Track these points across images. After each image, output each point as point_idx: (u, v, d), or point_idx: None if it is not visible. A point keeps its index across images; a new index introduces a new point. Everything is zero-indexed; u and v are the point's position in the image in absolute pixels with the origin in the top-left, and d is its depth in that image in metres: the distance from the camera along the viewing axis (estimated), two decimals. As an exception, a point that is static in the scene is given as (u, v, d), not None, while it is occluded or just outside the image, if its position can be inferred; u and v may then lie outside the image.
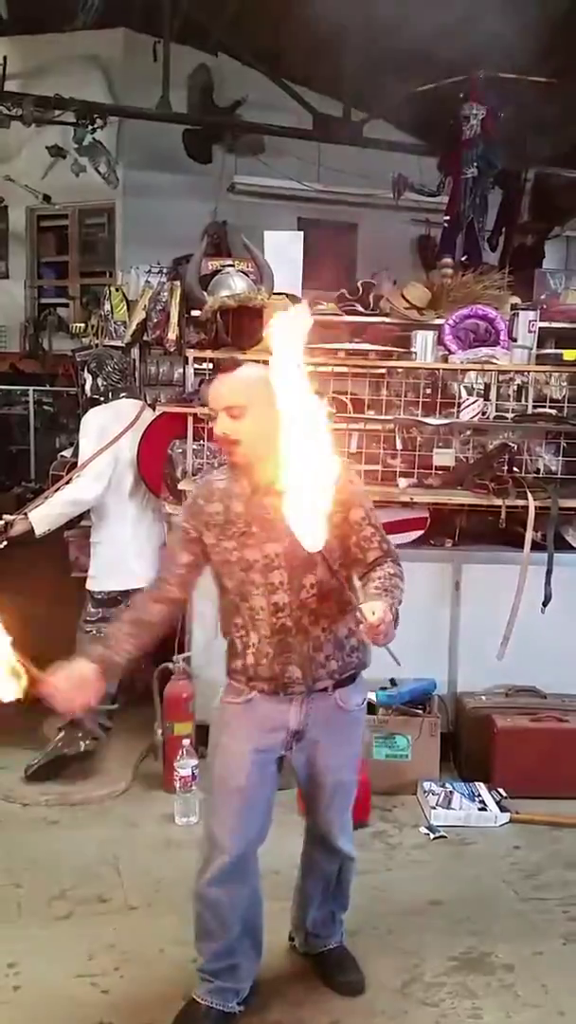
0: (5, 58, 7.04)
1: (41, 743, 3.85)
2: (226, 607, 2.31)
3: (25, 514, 3.70)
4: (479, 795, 3.57)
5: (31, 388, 8.27)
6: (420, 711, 3.75)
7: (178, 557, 2.30)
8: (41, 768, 3.69)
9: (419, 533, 3.99)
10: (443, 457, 4.10)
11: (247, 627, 2.26)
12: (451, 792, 3.55)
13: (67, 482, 3.85)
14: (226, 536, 2.21)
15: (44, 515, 3.71)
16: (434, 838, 3.37)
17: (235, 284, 4.05)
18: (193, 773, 3.45)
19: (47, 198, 8.54)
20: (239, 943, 2.37)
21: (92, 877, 3.06)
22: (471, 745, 3.77)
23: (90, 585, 3.93)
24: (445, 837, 3.38)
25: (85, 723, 3.72)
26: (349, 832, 2.53)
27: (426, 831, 3.41)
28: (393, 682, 3.80)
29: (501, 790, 3.60)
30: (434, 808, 3.47)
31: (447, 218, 5.88)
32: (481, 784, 3.64)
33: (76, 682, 2.23)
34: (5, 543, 3.61)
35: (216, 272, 4.27)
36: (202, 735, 3.67)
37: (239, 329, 3.97)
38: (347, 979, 2.55)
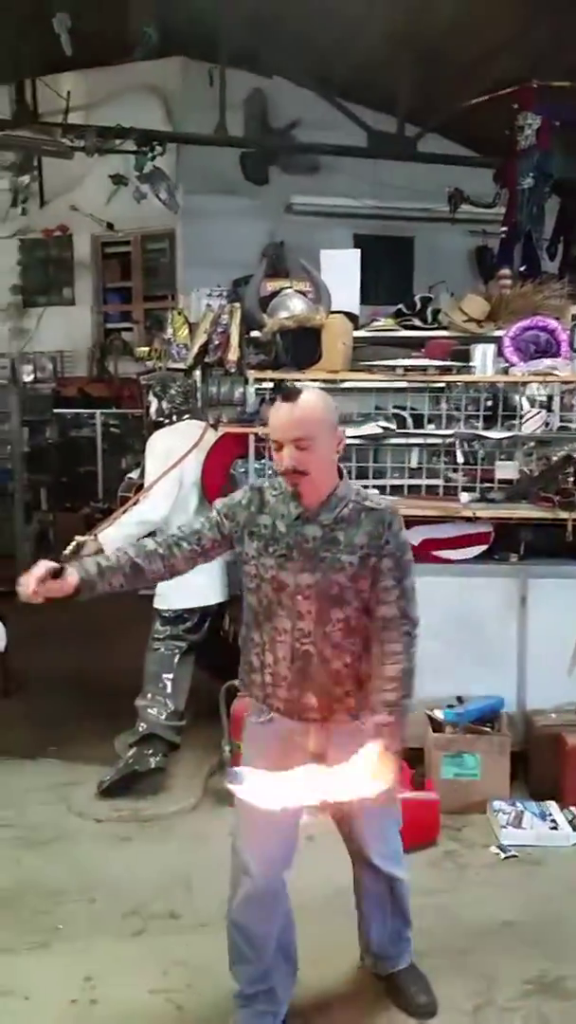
0: (69, 93, 7.27)
1: (112, 760, 3.93)
2: (248, 622, 2.31)
3: (95, 535, 3.79)
4: (550, 814, 3.50)
5: (98, 411, 8.48)
6: (488, 729, 3.71)
7: (202, 539, 2.27)
8: (113, 784, 3.76)
9: (483, 548, 3.96)
10: (506, 470, 4.07)
11: (265, 646, 2.25)
12: (521, 811, 3.50)
13: (135, 503, 3.94)
14: (267, 553, 2.20)
15: (113, 535, 3.79)
16: (505, 858, 3.33)
17: (294, 305, 4.10)
18: (261, 790, 3.47)
19: (110, 225, 8.77)
20: (274, 966, 2.37)
21: (164, 893, 3.10)
22: (541, 763, 3.71)
23: (157, 603, 4.00)
24: (516, 857, 3.33)
25: (155, 740, 3.79)
26: (392, 853, 2.48)
27: (496, 851, 3.37)
28: (460, 700, 3.77)
29: (573, 808, 3.53)
30: (504, 827, 3.43)
31: (504, 229, 5.85)
32: (552, 803, 3.57)
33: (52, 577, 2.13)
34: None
35: (275, 293, 4.33)
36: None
37: (298, 349, 4.01)
38: (418, 1001, 2.53)
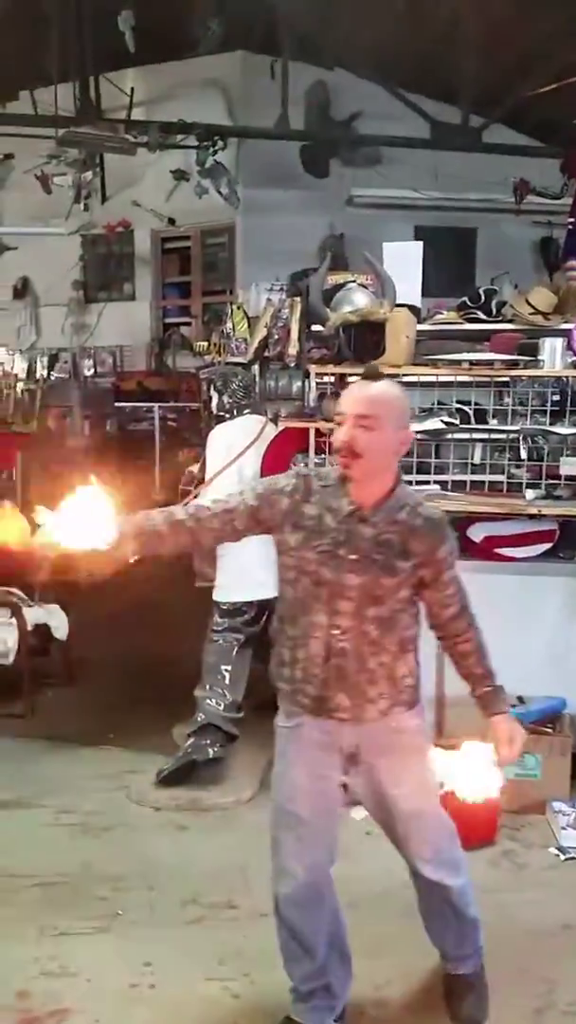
0: (132, 90, 7.34)
1: (171, 749, 3.97)
2: (282, 614, 2.24)
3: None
4: (612, 816, 3.44)
5: (156, 405, 8.56)
6: (550, 730, 3.65)
7: (234, 520, 2.18)
8: (172, 774, 3.80)
9: (547, 546, 3.90)
10: (572, 466, 3.99)
11: (298, 641, 2.18)
12: (583, 813, 3.44)
13: (195, 496, 3.97)
14: (310, 547, 2.11)
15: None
16: (565, 859, 3.28)
17: (357, 299, 4.07)
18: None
19: (171, 221, 8.84)
20: (328, 962, 2.34)
21: (221, 883, 3.12)
22: (603, 765, 3.64)
23: (216, 596, 4.03)
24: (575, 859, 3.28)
25: (213, 730, 3.82)
26: (446, 861, 2.35)
27: (557, 852, 3.32)
28: (521, 699, 3.72)
29: None
30: (564, 829, 3.37)
31: (571, 220, 5.73)
32: (613, 805, 3.51)
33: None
34: (138, 556, 3.74)
35: (338, 287, 4.30)
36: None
37: (361, 343, 3.98)
38: (464, 1014, 2.44)
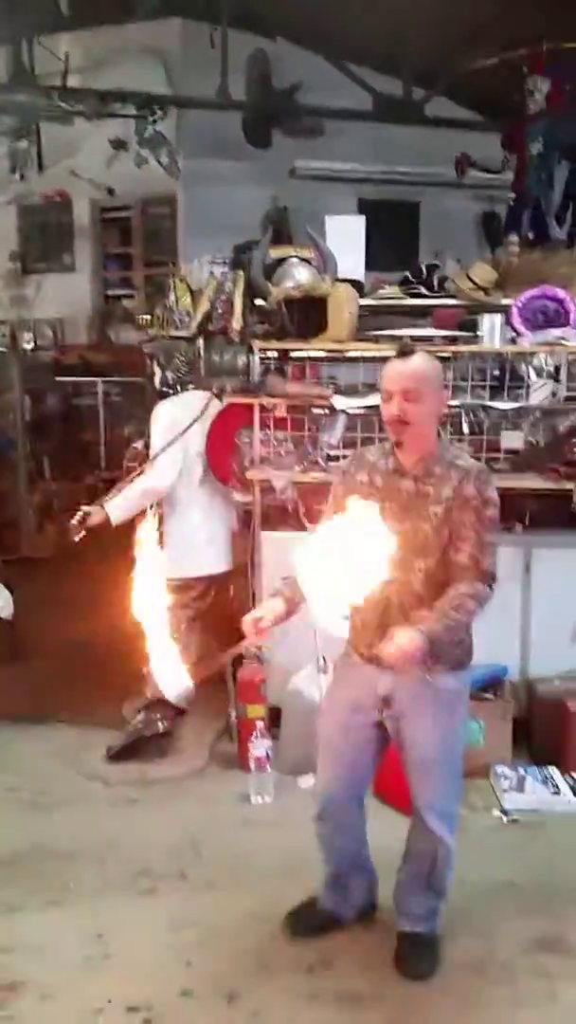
0: (67, 55, 7.15)
1: (120, 725, 3.98)
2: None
3: (101, 504, 3.81)
4: (552, 779, 3.57)
5: (99, 379, 8.43)
6: (492, 696, 3.76)
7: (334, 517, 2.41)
8: (121, 749, 3.83)
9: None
10: (512, 440, 4.07)
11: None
12: (524, 776, 3.56)
13: (140, 473, 3.95)
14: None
15: (119, 505, 3.81)
16: (507, 821, 3.40)
17: (299, 274, 4.08)
18: (267, 754, 3.54)
19: (110, 191, 8.66)
20: (348, 873, 2.68)
21: (173, 854, 3.17)
22: (544, 729, 3.77)
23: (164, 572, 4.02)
24: (518, 821, 3.40)
25: (162, 704, 3.83)
26: (444, 815, 2.53)
27: (499, 815, 3.43)
28: (463, 666, 3.81)
29: (574, 774, 3.59)
30: (507, 792, 3.49)
31: (513, 195, 5.79)
32: (554, 768, 3.64)
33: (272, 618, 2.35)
34: (84, 533, 3.73)
35: (280, 261, 4.29)
36: (275, 717, 3.77)
37: (303, 319, 4.00)
38: (413, 967, 2.57)
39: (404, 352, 2.37)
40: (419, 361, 2.36)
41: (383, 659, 2.27)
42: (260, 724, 3.64)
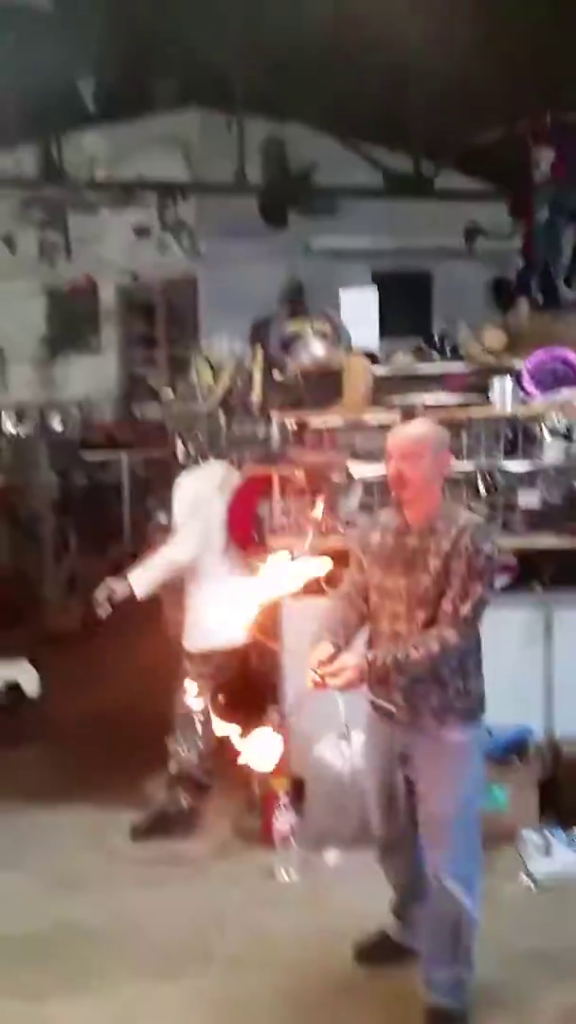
0: (92, 150, 7.52)
1: (144, 802, 3.95)
2: (369, 627, 2.61)
3: (126, 578, 3.85)
4: (581, 843, 3.46)
5: (123, 453, 8.59)
6: (516, 759, 3.68)
7: (355, 577, 2.64)
8: (146, 827, 3.78)
9: (508, 579, 3.96)
10: (528, 499, 4.07)
11: (372, 647, 2.55)
12: (551, 841, 3.46)
13: (163, 545, 4.00)
14: (377, 564, 2.55)
15: (143, 578, 3.85)
16: (535, 888, 3.30)
17: (314, 349, 4.20)
18: (291, 828, 3.48)
19: (134, 276, 8.98)
20: (406, 901, 2.76)
21: (198, 934, 3.10)
22: (570, 792, 3.67)
23: (186, 644, 4.04)
24: (546, 887, 3.30)
25: (186, 780, 3.80)
26: (461, 877, 2.50)
27: (526, 881, 3.34)
28: (488, 732, 3.74)
29: (604, 838, 3.48)
30: (533, 857, 3.40)
31: (521, 261, 5.90)
32: (582, 832, 3.53)
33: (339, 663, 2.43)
34: (109, 607, 3.76)
35: (296, 335, 4.42)
36: (300, 789, 3.72)
37: (320, 390, 4.09)
38: None
39: (406, 417, 2.57)
40: (418, 426, 2.57)
41: (327, 683, 2.38)
42: (283, 797, 3.58)
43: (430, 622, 2.43)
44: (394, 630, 2.48)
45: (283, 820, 3.48)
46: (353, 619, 2.63)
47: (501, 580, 3.93)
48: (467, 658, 2.48)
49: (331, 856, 3.45)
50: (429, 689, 2.44)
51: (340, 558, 2.76)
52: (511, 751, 3.68)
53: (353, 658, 2.43)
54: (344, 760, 3.50)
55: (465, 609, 2.39)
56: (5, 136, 7.57)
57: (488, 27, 5.99)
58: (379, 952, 2.82)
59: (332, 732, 3.66)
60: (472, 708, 2.52)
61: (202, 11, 6.03)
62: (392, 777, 2.60)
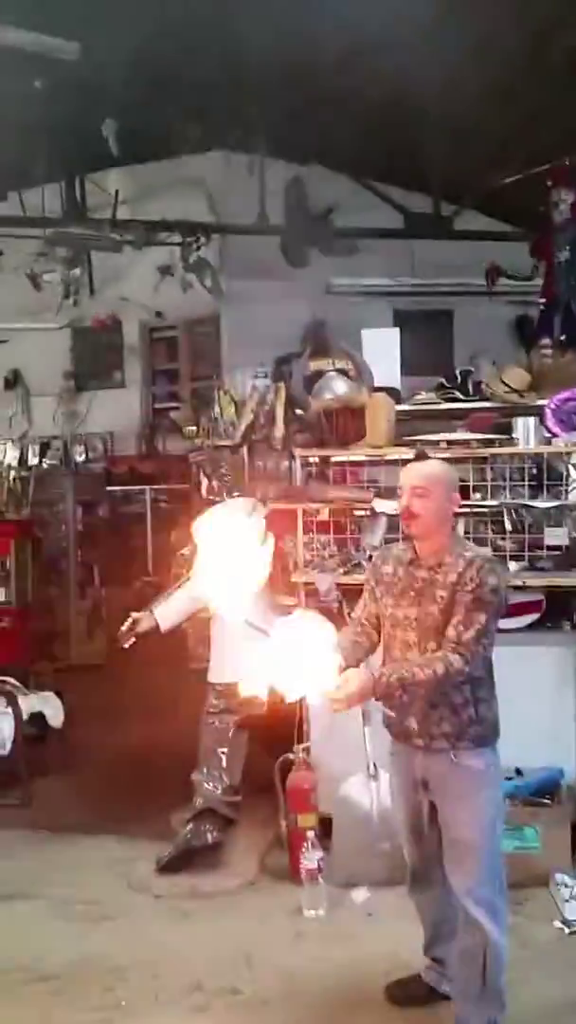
0: (117, 192, 7.69)
1: (170, 835, 3.95)
2: (383, 655, 2.71)
3: (151, 611, 3.90)
4: (615, 887, 3.43)
5: (147, 488, 8.68)
6: (548, 801, 3.66)
7: (368, 606, 2.76)
8: (171, 860, 3.78)
9: (535, 617, 3.97)
10: (555, 537, 4.09)
11: None
12: (585, 884, 3.43)
13: (187, 579, 4.04)
14: (389, 594, 2.65)
15: (168, 611, 3.90)
16: (570, 933, 3.26)
17: (337, 387, 4.26)
18: (319, 865, 3.47)
19: (159, 314, 9.12)
20: (437, 934, 2.79)
21: (226, 969, 3.09)
22: (604, 834, 3.64)
23: (211, 677, 4.06)
24: (581, 932, 3.25)
25: (212, 814, 3.81)
26: (485, 903, 2.51)
27: (561, 925, 3.30)
28: (519, 772, 3.74)
29: None
30: (568, 901, 3.36)
31: (543, 300, 5.97)
32: (616, 875, 3.50)
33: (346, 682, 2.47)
34: (133, 640, 3.81)
35: (319, 374, 4.48)
36: (326, 826, 3.71)
37: (343, 428, 4.15)
38: None
39: (419, 457, 2.72)
40: (430, 463, 2.70)
41: (330, 700, 2.42)
42: (311, 834, 3.58)
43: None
44: (407, 659, 2.57)
45: (311, 857, 3.47)
46: (364, 643, 2.73)
47: (528, 618, 3.95)
48: (478, 686, 2.56)
49: (359, 894, 3.44)
50: (442, 716, 2.52)
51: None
52: (543, 792, 3.67)
53: (359, 673, 2.49)
54: (372, 799, 3.50)
55: (467, 635, 2.47)
56: (31, 176, 7.77)
57: (508, 70, 6.14)
58: (411, 994, 2.81)
59: (360, 771, 3.68)
60: (485, 735, 2.57)
61: (224, 56, 6.20)
62: (417, 803, 2.66)
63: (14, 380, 9.63)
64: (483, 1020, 2.52)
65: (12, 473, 8.34)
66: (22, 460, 8.77)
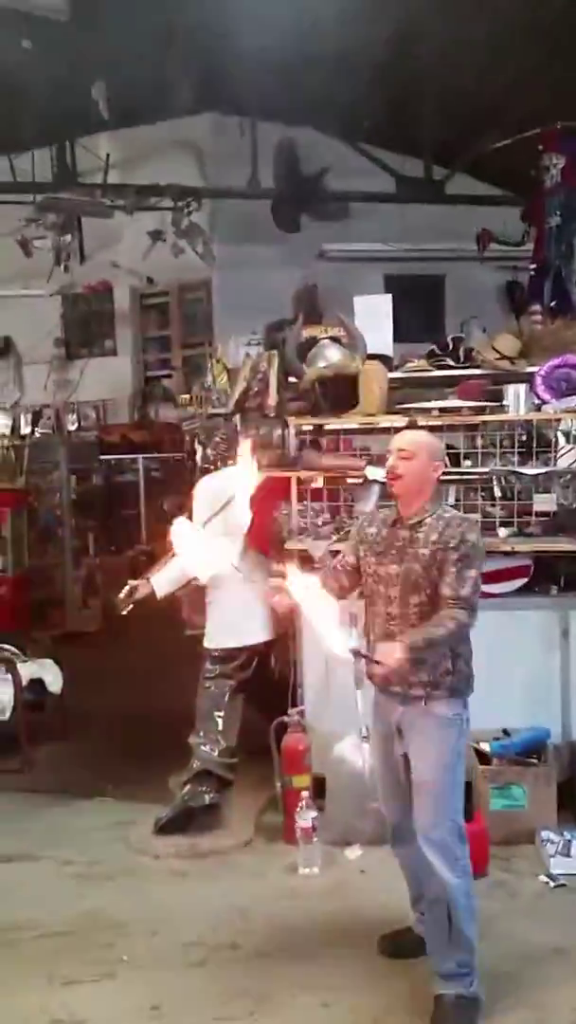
0: (108, 155, 7.60)
1: (168, 797, 4.04)
2: (365, 611, 2.85)
3: (147, 579, 3.95)
4: (600, 842, 3.54)
5: (140, 456, 8.71)
6: (535, 760, 3.75)
7: (348, 557, 2.92)
8: (170, 822, 3.87)
9: (523, 581, 4.04)
10: (543, 504, 4.14)
11: (369, 628, 2.82)
12: (569, 840, 3.53)
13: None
14: (371, 552, 2.81)
15: (164, 579, 3.95)
16: (555, 887, 3.37)
17: (330, 355, 4.26)
18: (313, 824, 3.56)
19: (150, 279, 9.07)
20: (420, 892, 2.83)
21: (223, 925, 3.19)
22: (589, 792, 3.74)
23: (207, 643, 4.12)
24: (565, 885, 3.36)
25: (208, 776, 3.90)
26: (441, 847, 2.61)
27: (546, 880, 3.41)
28: (506, 732, 3.83)
29: (623, 836, 3.56)
30: (553, 856, 3.47)
31: (534, 265, 5.97)
32: (601, 831, 3.60)
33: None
34: (131, 606, 3.86)
35: (312, 341, 4.49)
36: (320, 787, 3.81)
37: (336, 396, 4.17)
38: None
39: (408, 425, 2.92)
40: (416, 432, 2.97)
41: (373, 675, 2.60)
42: (305, 794, 3.67)
43: (425, 606, 2.66)
44: (388, 612, 2.73)
45: (305, 817, 3.56)
46: (333, 585, 2.86)
47: (516, 583, 4.02)
48: (458, 641, 2.67)
49: (352, 852, 3.54)
50: (421, 665, 2.62)
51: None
52: (529, 752, 3.76)
53: (394, 648, 2.55)
54: (364, 760, 3.58)
55: (465, 591, 2.62)
56: (21, 141, 7.68)
57: (500, 34, 6.07)
58: (402, 944, 2.92)
59: (352, 732, 3.75)
60: (458, 687, 2.69)
61: (215, 17, 6.11)
62: (392, 755, 2.77)
63: (5, 347, 9.60)
64: (453, 963, 2.60)
65: (5, 442, 8.35)
66: (14, 429, 8.77)
